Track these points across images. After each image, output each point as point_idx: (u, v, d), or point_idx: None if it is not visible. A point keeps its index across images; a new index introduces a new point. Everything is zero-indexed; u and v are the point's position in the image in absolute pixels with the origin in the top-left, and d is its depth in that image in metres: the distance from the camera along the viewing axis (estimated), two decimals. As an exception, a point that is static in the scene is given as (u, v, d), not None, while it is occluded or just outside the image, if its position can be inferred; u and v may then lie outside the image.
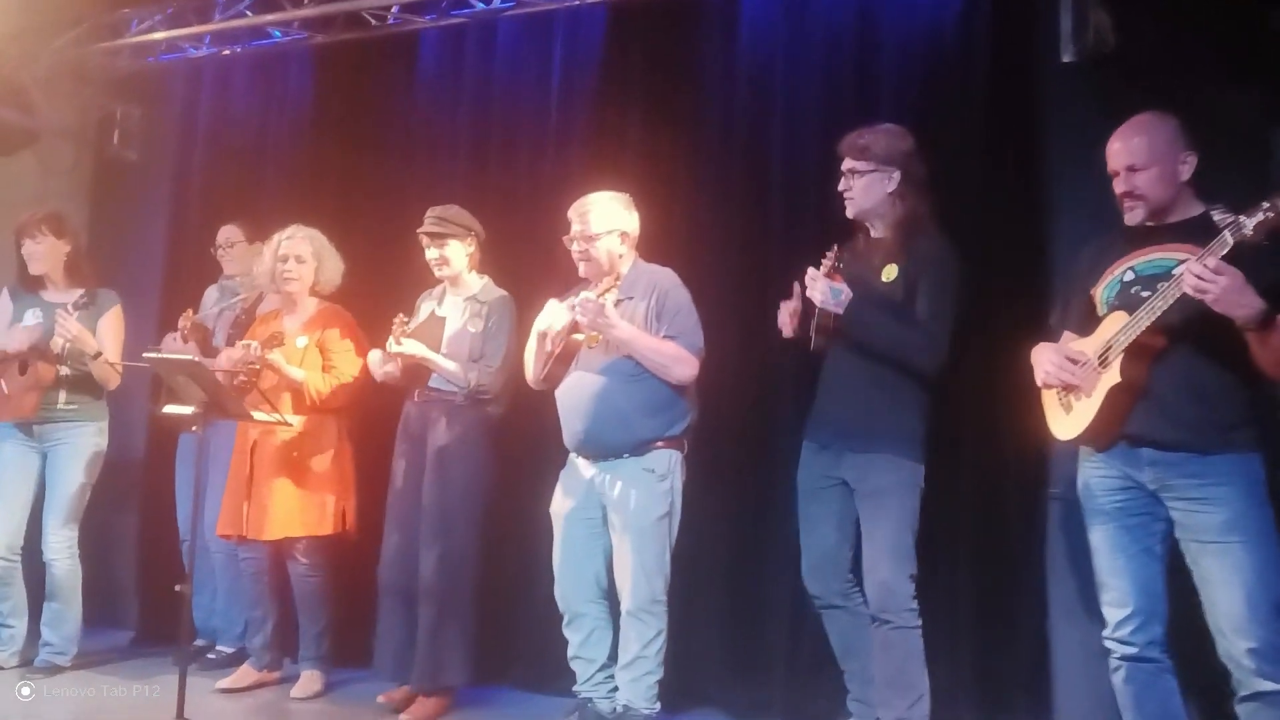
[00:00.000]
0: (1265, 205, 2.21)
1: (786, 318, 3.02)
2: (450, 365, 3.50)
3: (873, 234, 3.09)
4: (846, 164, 3.05)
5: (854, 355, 2.96)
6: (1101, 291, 2.65)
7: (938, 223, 3.04)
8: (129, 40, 4.94)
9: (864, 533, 2.95)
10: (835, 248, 2.89)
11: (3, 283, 4.18)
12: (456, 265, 3.62)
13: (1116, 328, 2.51)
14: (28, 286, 4.04)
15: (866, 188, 3.02)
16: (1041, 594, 3.32)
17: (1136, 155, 2.57)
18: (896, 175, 3.00)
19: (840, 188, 3.06)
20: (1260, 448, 2.47)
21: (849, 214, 3.08)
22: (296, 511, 3.68)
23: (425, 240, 3.61)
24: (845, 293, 2.86)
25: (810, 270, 2.90)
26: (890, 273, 2.96)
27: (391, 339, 3.47)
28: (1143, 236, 2.61)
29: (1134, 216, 2.60)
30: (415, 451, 3.59)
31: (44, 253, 4.00)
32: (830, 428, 3.03)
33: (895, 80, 3.68)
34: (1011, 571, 3.36)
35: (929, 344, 2.89)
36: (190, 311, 4.17)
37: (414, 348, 3.48)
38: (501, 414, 3.62)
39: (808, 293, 2.90)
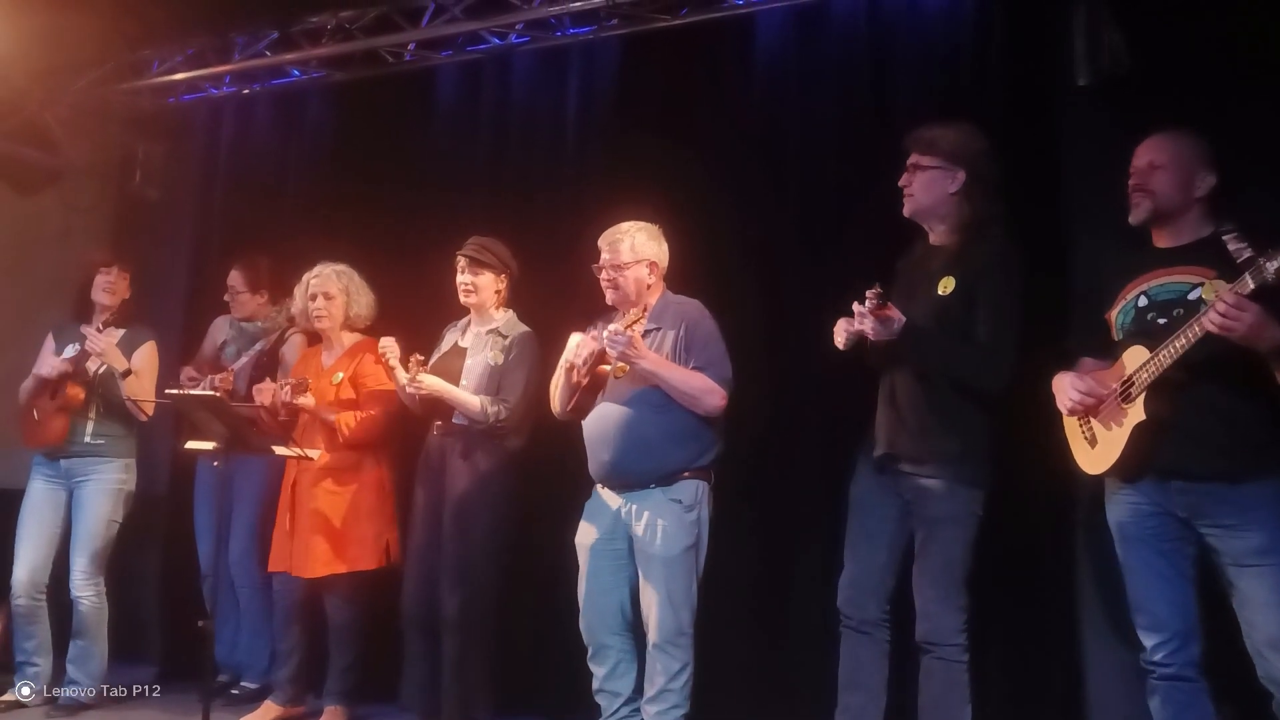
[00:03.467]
0: None
1: (843, 337, 2.90)
2: (469, 400, 3.51)
3: (931, 239, 2.99)
4: (911, 158, 2.94)
5: (905, 375, 2.87)
6: (1116, 316, 2.64)
7: (1006, 228, 2.91)
8: (150, 81, 5.02)
9: (916, 558, 2.86)
10: (878, 286, 2.71)
11: (20, 317, 4.23)
12: (483, 296, 3.65)
13: (1138, 362, 2.49)
14: (77, 317, 4.07)
15: (927, 185, 2.91)
16: (1073, 616, 3.27)
17: (1157, 153, 2.62)
18: (961, 175, 2.88)
19: (901, 183, 2.95)
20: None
21: (906, 212, 2.98)
22: (339, 547, 3.69)
23: (462, 263, 3.64)
24: (898, 320, 2.73)
25: (856, 306, 2.77)
26: (947, 285, 2.83)
27: (407, 375, 3.48)
28: (1154, 258, 2.62)
29: (1137, 214, 2.63)
30: (435, 484, 3.59)
31: (119, 290, 4.08)
32: (883, 449, 2.90)
33: (911, 102, 3.68)
34: (1042, 595, 3.32)
35: (990, 363, 2.75)
36: (231, 370, 4.14)
37: (432, 382, 3.49)
38: (521, 447, 3.62)
39: (857, 326, 2.78)
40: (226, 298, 4.44)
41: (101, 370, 3.95)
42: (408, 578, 3.62)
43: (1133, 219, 2.64)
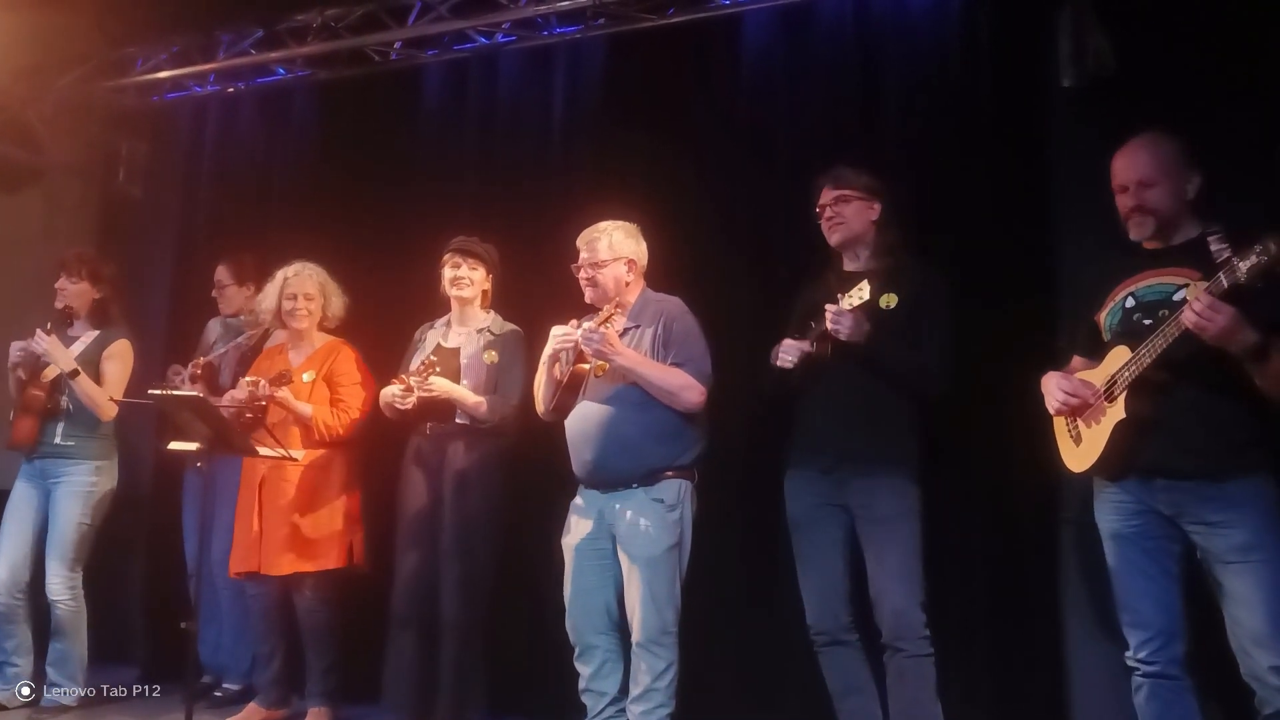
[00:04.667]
0: (1258, 248, 2.23)
1: (796, 356, 2.99)
2: (477, 400, 3.51)
3: (848, 265, 3.16)
4: (834, 193, 3.14)
5: (851, 380, 2.95)
6: (1105, 317, 2.67)
7: (914, 253, 3.13)
8: (135, 79, 4.99)
9: (871, 560, 2.92)
10: (866, 283, 2.85)
11: (5, 317, 4.21)
12: (474, 291, 3.65)
13: (1120, 362, 2.52)
14: (58, 321, 4.04)
15: (858, 213, 3.11)
16: (1058, 617, 3.28)
17: (1146, 170, 2.61)
18: (878, 206, 3.12)
19: (827, 215, 3.14)
20: (1271, 466, 2.47)
21: (836, 240, 3.15)
22: (305, 546, 3.66)
23: (455, 259, 3.62)
24: (866, 325, 2.88)
25: (833, 307, 2.86)
26: (889, 300, 3.00)
27: (417, 378, 3.46)
28: (1143, 260, 2.63)
29: (1143, 231, 2.63)
30: (431, 481, 3.56)
31: (74, 293, 4.04)
32: (832, 453, 2.99)
33: (897, 101, 3.70)
34: (1027, 595, 3.33)
35: (940, 372, 2.96)
36: (201, 359, 4.18)
37: (443, 385, 3.48)
38: (510, 444, 3.61)
39: (830, 325, 2.86)
40: (214, 293, 4.42)
41: (64, 376, 3.89)
42: (400, 574, 3.58)
43: (1135, 236, 2.65)
